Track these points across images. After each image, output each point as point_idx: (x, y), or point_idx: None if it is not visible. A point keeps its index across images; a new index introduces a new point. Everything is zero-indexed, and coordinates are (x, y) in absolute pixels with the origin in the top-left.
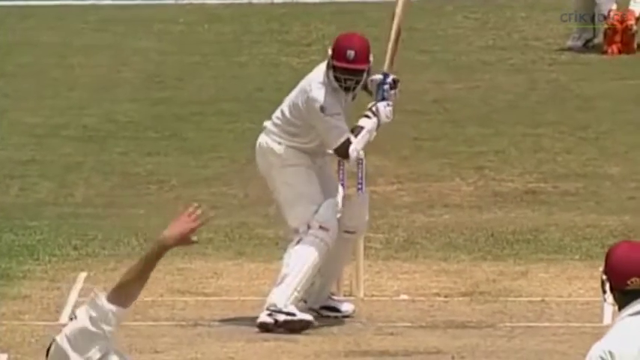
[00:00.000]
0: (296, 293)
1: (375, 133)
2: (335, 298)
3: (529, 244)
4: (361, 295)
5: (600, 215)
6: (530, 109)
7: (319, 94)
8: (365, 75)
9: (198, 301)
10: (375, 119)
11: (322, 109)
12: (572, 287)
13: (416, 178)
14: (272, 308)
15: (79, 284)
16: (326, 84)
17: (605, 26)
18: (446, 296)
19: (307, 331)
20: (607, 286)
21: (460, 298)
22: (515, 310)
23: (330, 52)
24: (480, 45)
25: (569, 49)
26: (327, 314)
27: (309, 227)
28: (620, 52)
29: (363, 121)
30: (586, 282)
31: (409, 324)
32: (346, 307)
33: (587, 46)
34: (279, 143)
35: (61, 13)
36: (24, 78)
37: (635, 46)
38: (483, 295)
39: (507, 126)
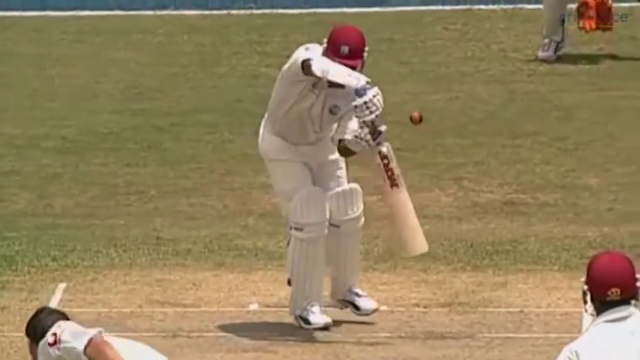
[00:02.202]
0: (306, 294)
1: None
2: (355, 291)
3: (508, 255)
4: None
5: (579, 226)
6: (508, 120)
7: (314, 52)
8: (358, 70)
9: (177, 312)
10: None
11: (307, 48)
12: (551, 298)
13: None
14: (294, 315)
15: (58, 295)
16: None
17: (577, 4)
18: (425, 307)
19: (288, 342)
20: (588, 297)
21: (439, 309)
22: (494, 320)
23: (325, 43)
24: (459, 56)
25: (543, 60)
26: (345, 308)
27: (290, 227)
28: (597, 27)
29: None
30: (565, 293)
31: (388, 334)
32: (365, 305)
33: (558, 50)
34: (263, 136)
35: (39, 24)
36: (3, 89)
37: (613, 20)
38: (462, 306)
39: (486, 137)
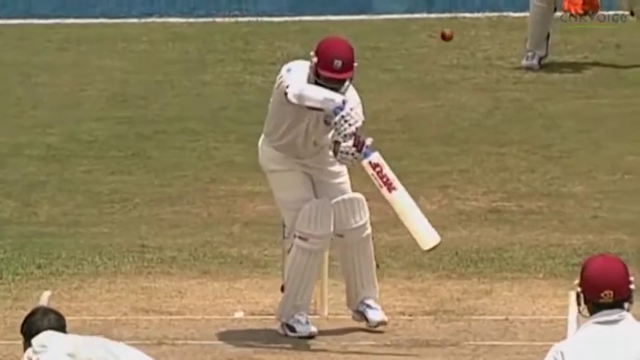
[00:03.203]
0: (297, 302)
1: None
2: (367, 302)
3: (493, 263)
4: (325, 314)
5: (564, 234)
6: (494, 128)
7: (294, 74)
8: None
9: (162, 320)
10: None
11: (288, 70)
12: (536, 306)
13: (380, 198)
14: (281, 321)
15: (43, 303)
16: (307, 77)
17: None
18: (410, 315)
19: (273, 350)
20: (581, 299)
21: (424, 317)
22: (480, 328)
23: (314, 58)
24: (444, 64)
25: (527, 68)
26: (358, 319)
27: (294, 235)
28: (584, 12)
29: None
30: (550, 300)
31: (373, 343)
32: (372, 316)
33: (542, 61)
34: (262, 149)
35: (24, 31)
36: None
37: (599, 2)
38: (447, 314)
39: (471, 145)
